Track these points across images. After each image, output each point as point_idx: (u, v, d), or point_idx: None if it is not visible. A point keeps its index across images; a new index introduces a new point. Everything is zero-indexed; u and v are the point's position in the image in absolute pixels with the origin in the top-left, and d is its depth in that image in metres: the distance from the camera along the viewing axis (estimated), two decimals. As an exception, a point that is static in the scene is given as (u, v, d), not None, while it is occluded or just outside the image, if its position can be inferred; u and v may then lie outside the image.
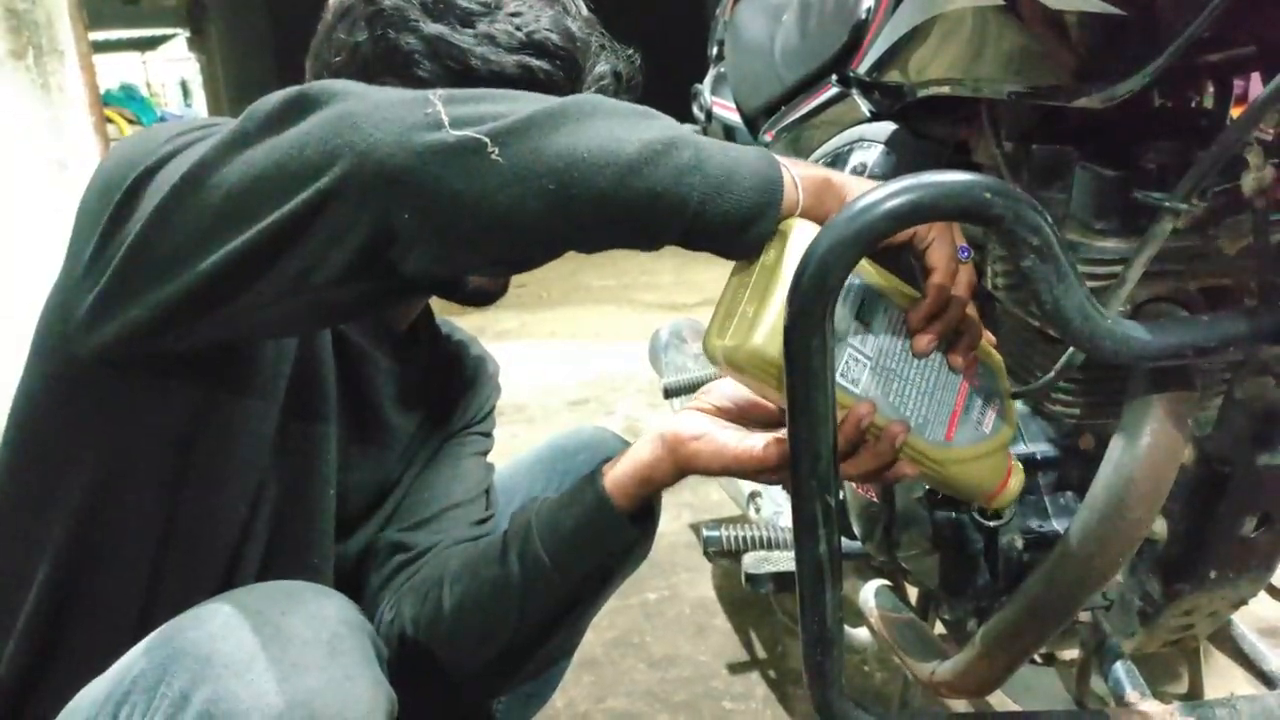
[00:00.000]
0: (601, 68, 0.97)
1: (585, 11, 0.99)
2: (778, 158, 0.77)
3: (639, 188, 0.70)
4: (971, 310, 0.80)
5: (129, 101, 5.50)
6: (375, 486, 1.08)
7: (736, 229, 0.74)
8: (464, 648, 0.97)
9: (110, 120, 3.86)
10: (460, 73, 0.90)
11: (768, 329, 0.75)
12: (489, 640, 0.96)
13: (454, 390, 1.19)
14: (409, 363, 1.09)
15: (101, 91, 3.47)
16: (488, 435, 1.23)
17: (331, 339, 0.97)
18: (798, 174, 0.77)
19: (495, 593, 0.95)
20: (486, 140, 0.68)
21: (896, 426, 0.77)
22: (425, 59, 0.91)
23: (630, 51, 1.03)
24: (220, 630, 0.73)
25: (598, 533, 0.92)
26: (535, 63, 0.91)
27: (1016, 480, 0.85)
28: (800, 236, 0.75)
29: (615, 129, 0.71)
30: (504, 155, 0.68)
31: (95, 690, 0.77)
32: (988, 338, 0.83)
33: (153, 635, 0.76)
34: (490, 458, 1.23)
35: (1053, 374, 0.89)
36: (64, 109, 3.07)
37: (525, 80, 0.91)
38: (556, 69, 0.93)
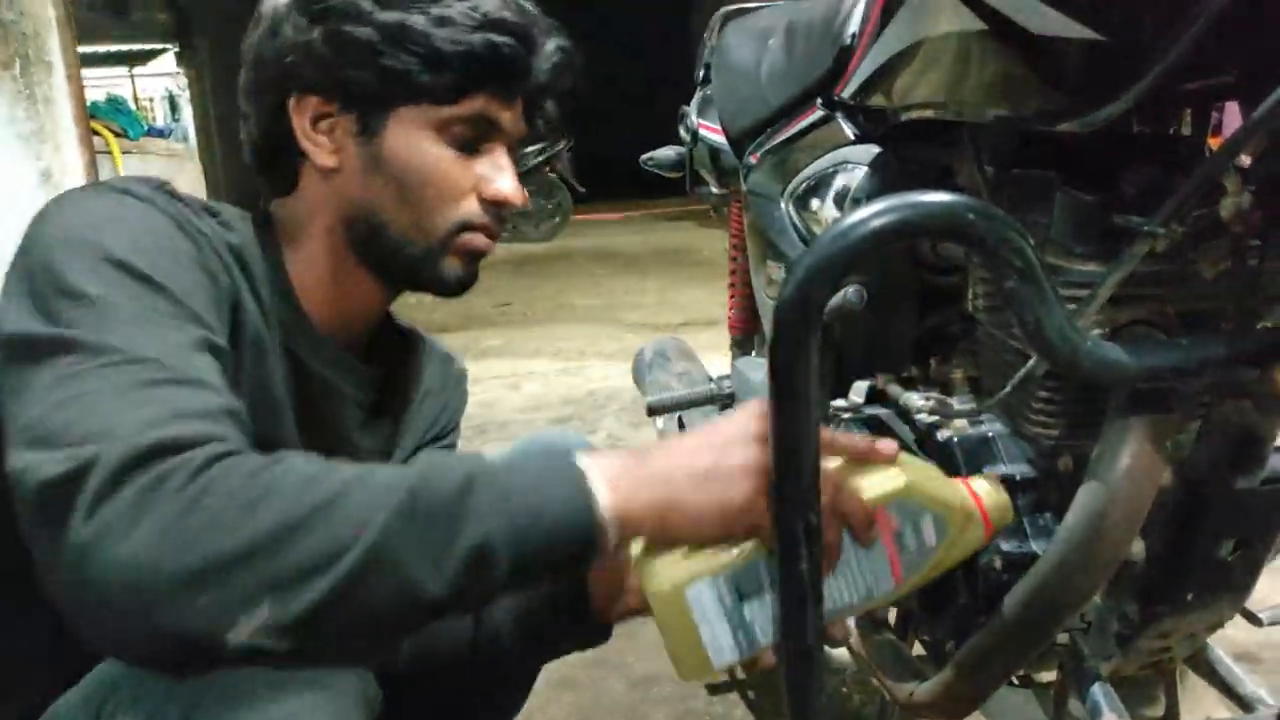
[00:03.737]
0: (553, 43, 0.95)
1: None
2: (586, 465, 0.72)
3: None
4: (855, 502, 0.79)
5: (116, 114, 5.48)
6: None
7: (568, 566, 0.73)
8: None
9: (97, 132, 3.85)
10: (427, 57, 0.88)
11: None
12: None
13: (420, 402, 1.15)
14: (372, 381, 1.05)
15: (89, 103, 3.46)
16: (453, 446, 1.21)
17: (289, 375, 0.94)
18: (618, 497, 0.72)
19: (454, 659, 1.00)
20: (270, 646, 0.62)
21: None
22: (388, 47, 0.88)
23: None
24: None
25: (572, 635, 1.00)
26: (499, 39, 0.89)
27: (994, 505, 0.84)
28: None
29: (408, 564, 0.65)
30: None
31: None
32: (884, 454, 0.81)
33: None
34: None
35: (1009, 387, 0.90)
36: (51, 120, 3.07)
37: (491, 57, 0.89)
38: (517, 45, 0.91)
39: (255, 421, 0.82)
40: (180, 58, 7.75)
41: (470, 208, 0.92)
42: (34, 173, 3.03)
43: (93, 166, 3.30)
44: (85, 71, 3.30)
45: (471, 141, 0.91)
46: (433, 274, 0.94)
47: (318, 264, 0.94)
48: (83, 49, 3.25)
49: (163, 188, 0.85)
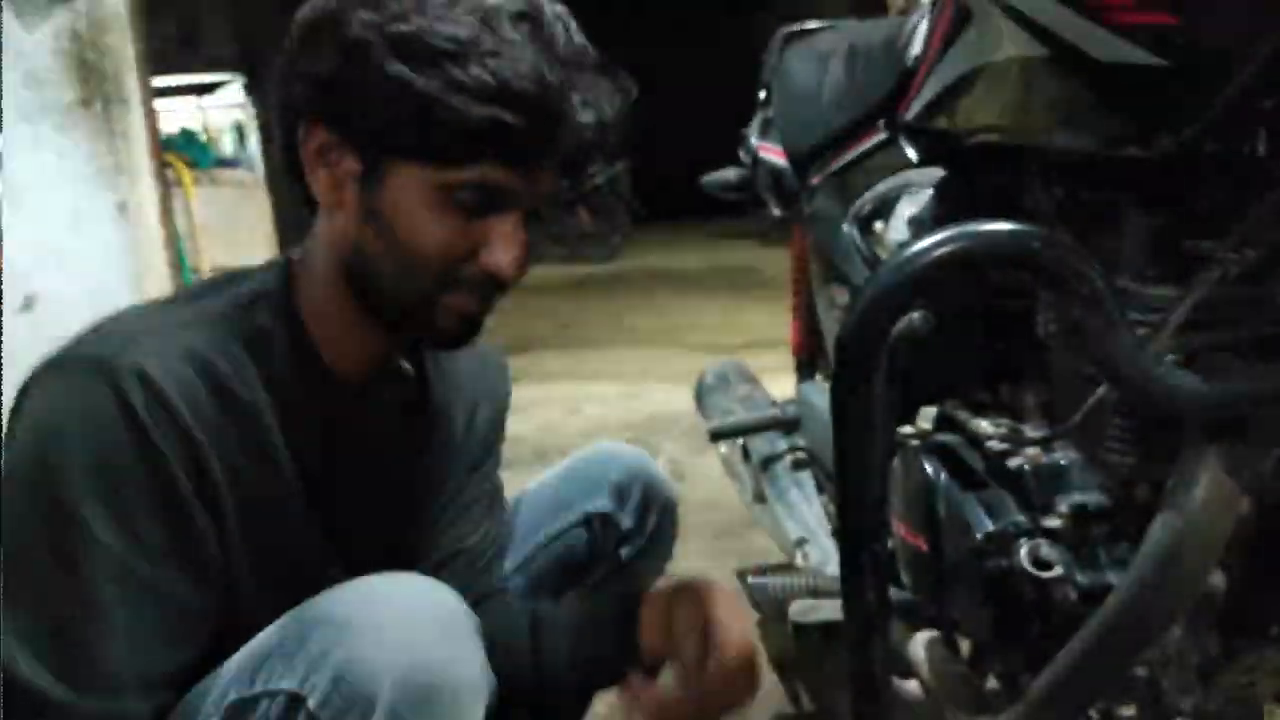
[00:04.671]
0: (584, 119, 0.88)
1: (576, 39, 0.89)
2: None
3: None
4: None
5: (187, 146, 5.64)
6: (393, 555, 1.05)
7: None
8: None
9: (169, 164, 3.96)
10: (429, 122, 0.83)
11: None
12: None
13: (459, 438, 1.13)
14: (401, 394, 1.05)
15: (162, 136, 3.55)
16: (495, 462, 1.20)
17: (315, 425, 0.94)
18: None
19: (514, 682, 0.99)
20: None
21: None
22: (386, 101, 0.83)
23: (623, 79, 0.92)
24: (354, 603, 0.82)
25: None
26: (507, 116, 0.82)
27: None
28: None
29: None
30: None
31: (235, 659, 0.84)
32: None
33: (287, 615, 0.84)
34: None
35: (1081, 414, 0.88)
36: (127, 154, 3.16)
37: (498, 133, 0.83)
38: (530, 123, 0.84)
39: (256, 486, 0.89)
40: (249, 88, 7.93)
41: (463, 271, 0.89)
42: (111, 205, 3.12)
43: (166, 198, 3.39)
44: (156, 102, 3.39)
45: (478, 207, 0.87)
46: (422, 329, 0.93)
47: (324, 300, 0.94)
48: (153, 82, 3.35)
49: (141, 371, 0.83)
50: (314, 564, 0.92)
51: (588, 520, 1.24)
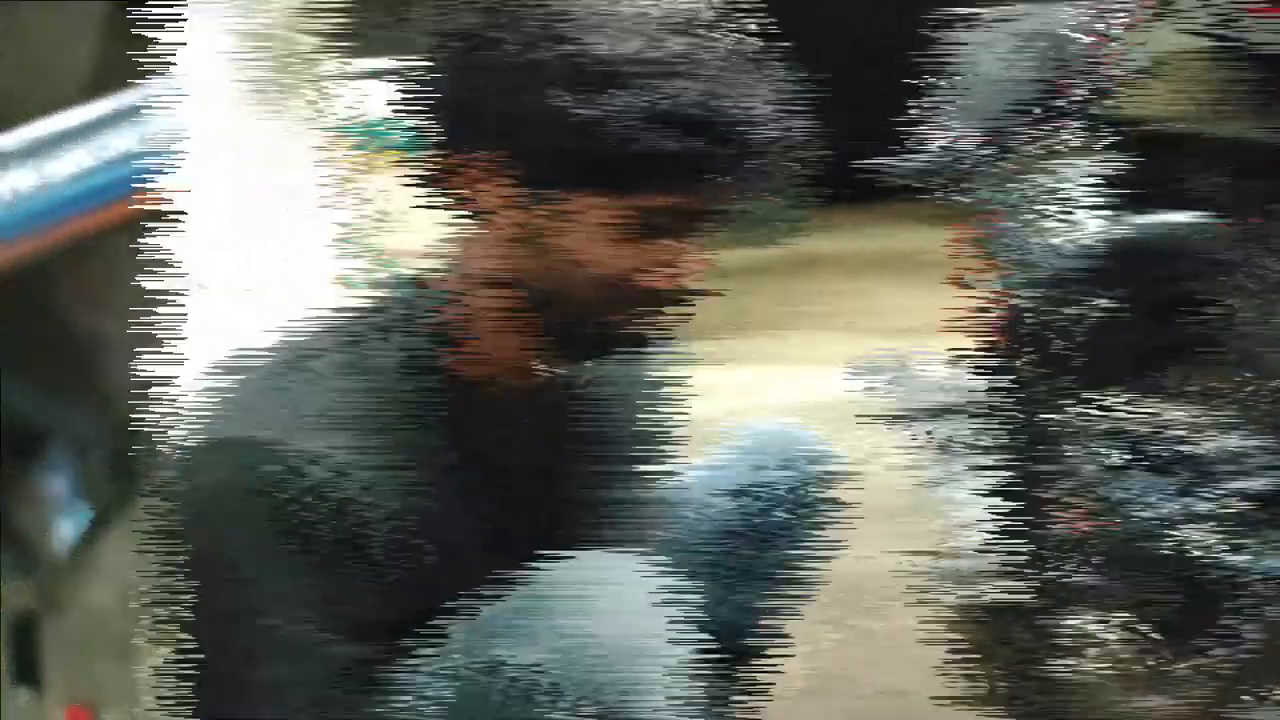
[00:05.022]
0: (758, 132, 0.81)
1: (740, 37, 0.83)
2: None
3: None
4: None
5: (363, 131, 5.85)
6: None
7: None
8: None
9: (354, 150, 4.13)
10: (593, 152, 0.78)
11: None
12: None
13: (614, 424, 1.06)
14: (557, 431, 1.00)
15: (344, 123, 3.68)
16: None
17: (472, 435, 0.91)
18: None
19: None
20: None
21: None
22: (551, 131, 0.78)
23: (787, 71, 0.85)
24: (575, 578, 0.83)
25: None
26: (681, 145, 0.77)
27: None
28: None
29: None
30: None
31: (453, 633, 0.85)
32: None
33: (512, 594, 0.85)
34: None
35: (1255, 401, 0.87)
36: (297, 140, 3.22)
37: (668, 160, 0.78)
38: (705, 148, 0.79)
39: (426, 522, 0.87)
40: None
41: (624, 293, 0.84)
42: (277, 191, 3.20)
43: (346, 186, 3.51)
44: (331, 87, 3.50)
45: (652, 230, 0.82)
46: (586, 347, 0.91)
47: (468, 315, 0.89)
48: (325, 67, 3.44)
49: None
50: (478, 568, 0.89)
51: (739, 492, 1.26)
